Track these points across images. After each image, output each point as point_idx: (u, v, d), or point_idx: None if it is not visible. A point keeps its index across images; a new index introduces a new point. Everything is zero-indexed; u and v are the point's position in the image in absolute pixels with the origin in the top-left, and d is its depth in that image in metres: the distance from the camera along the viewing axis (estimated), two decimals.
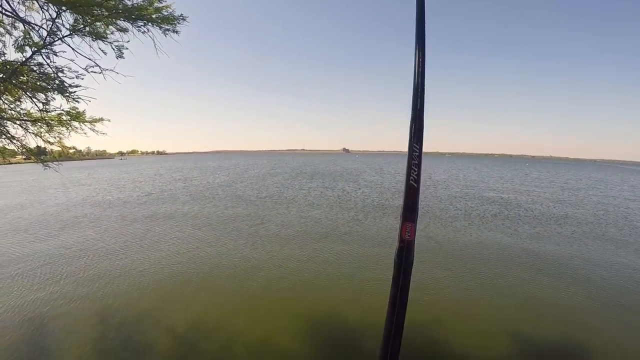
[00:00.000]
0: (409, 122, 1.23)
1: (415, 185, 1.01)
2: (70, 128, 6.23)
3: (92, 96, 6.09)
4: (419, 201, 1.04)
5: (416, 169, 1.02)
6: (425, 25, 1.36)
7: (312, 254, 12.54)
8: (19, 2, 4.76)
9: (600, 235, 15.61)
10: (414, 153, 1.00)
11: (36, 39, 5.01)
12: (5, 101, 5.69)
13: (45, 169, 6.84)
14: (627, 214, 21.13)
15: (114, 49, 5.61)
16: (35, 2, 4.74)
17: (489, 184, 37.65)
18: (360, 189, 31.72)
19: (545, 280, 10.29)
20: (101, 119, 6.96)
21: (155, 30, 5.74)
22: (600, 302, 9.04)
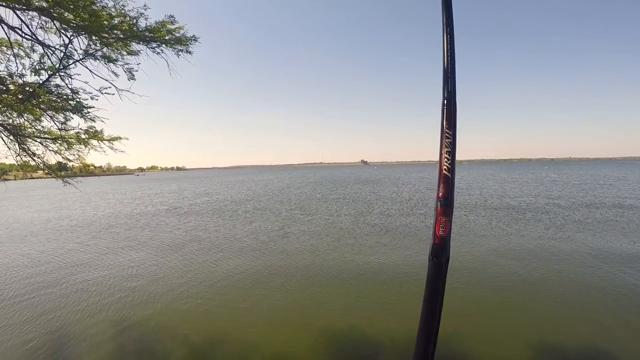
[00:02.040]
0: (440, 107, 1.16)
1: (449, 175, 0.92)
2: (89, 146, 6.50)
3: (106, 116, 6.32)
4: (454, 194, 0.95)
5: (449, 157, 0.93)
6: (452, 8, 1.32)
7: (336, 266, 12.49)
8: (37, 27, 5.04)
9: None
10: (446, 140, 0.92)
11: (53, 61, 5.28)
12: (27, 120, 5.99)
13: (65, 185, 7.10)
14: None
15: (125, 72, 5.84)
16: (53, 25, 5.01)
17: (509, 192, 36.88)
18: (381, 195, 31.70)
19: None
20: (119, 137, 7.19)
21: (168, 52, 5.96)
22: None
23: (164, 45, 5.87)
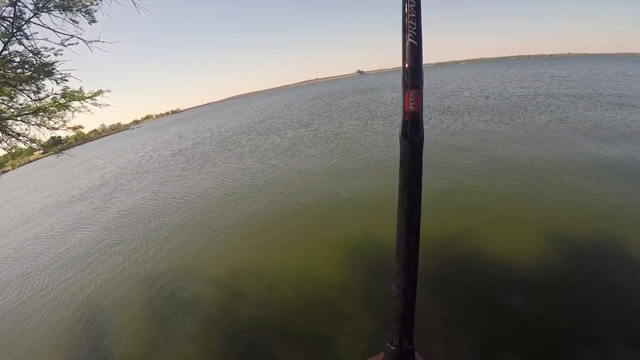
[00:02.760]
0: None
1: (416, 43, 0.81)
2: (71, 108, 6.30)
3: (68, 69, 6.00)
4: (423, 65, 0.82)
5: (414, 24, 0.82)
6: None
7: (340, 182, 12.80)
8: None
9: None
10: (410, 5, 0.80)
11: (5, 26, 4.89)
12: (1, 101, 5.75)
13: (57, 156, 7.09)
14: None
15: (84, 16, 5.39)
16: None
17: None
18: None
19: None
20: (100, 92, 6.92)
21: None
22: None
23: None
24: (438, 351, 5.19)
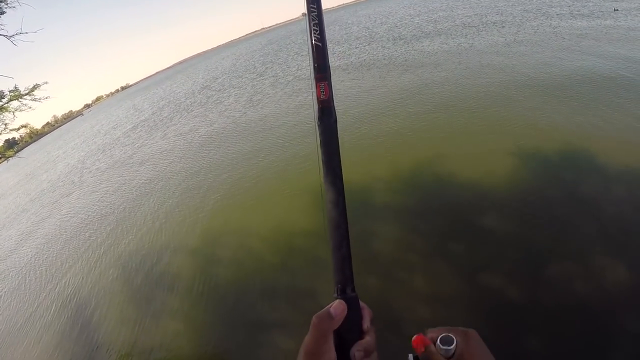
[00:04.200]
0: None
1: (320, 44, 0.86)
2: (9, 110, 6.19)
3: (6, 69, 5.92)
4: (329, 58, 0.89)
5: (317, 28, 0.86)
6: None
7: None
8: None
9: None
10: (312, 13, 0.83)
11: None
12: None
13: (6, 161, 6.99)
14: None
15: None
16: None
17: None
18: None
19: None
20: (36, 85, 6.78)
21: None
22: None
23: None
24: (420, 284, 5.25)
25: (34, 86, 6.73)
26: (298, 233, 7.13)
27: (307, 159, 10.02)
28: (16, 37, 5.68)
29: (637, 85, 9.02)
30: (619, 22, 14.95)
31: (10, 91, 6.46)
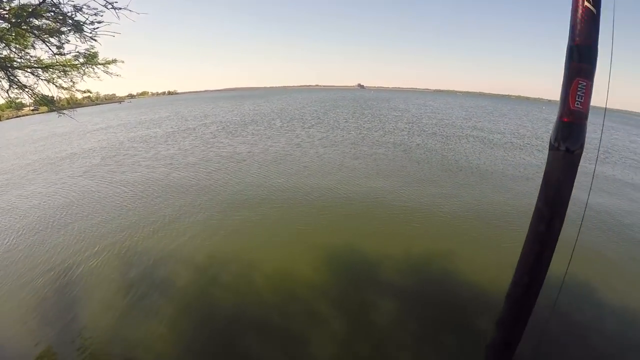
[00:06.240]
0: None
1: (594, 10, 1.00)
2: (83, 72, 6.01)
3: (111, 32, 5.63)
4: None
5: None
6: None
7: (333, 185, 12.74)
8: None
9: None
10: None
11: None
12: (14, 49, 5.38)
13: (59, 116, 6.83)
14: None
15: None
16: None
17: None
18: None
19: None
20: (114, 60, 6.71)
21: None
22: None
23: None
24: None
25: (113, 60, 6.59)
26: (302, 282, 7.28)
27: (333, 218, 9.99)
28: (122, 11, 5.43)
29: None
30: None
31: (89, 55, 6.19)
